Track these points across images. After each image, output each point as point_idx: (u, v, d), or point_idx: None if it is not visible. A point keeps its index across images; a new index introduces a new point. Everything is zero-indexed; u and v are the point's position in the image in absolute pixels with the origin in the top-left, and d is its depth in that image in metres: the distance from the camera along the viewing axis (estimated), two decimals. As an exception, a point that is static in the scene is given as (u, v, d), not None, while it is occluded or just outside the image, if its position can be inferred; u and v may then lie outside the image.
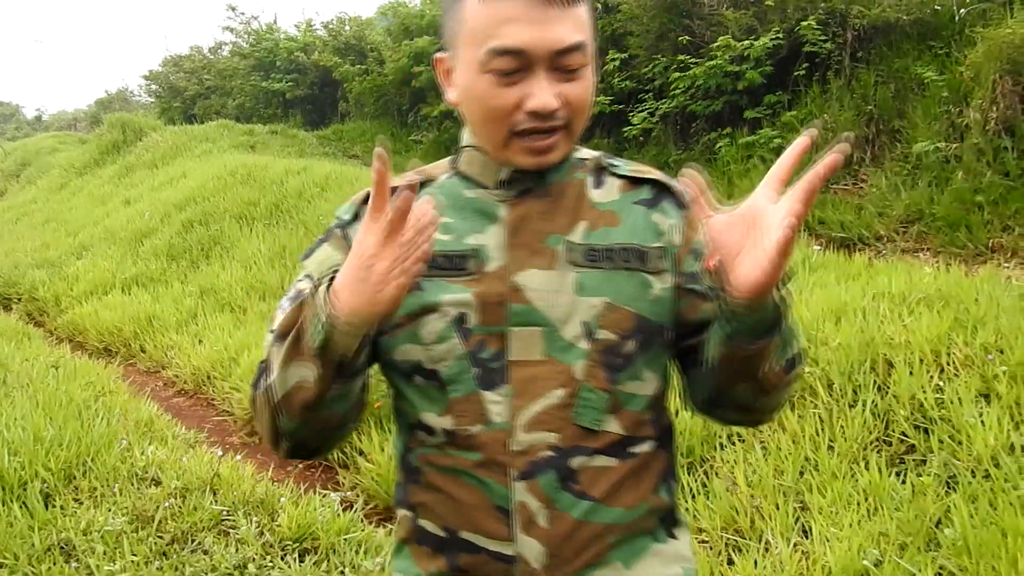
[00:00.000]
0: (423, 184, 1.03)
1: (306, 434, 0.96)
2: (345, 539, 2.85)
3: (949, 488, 2.41)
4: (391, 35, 14.29)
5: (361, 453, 3.53)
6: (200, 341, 5.73)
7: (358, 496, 3.34)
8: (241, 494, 3.15)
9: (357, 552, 2.80)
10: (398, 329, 0.98)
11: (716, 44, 7.52)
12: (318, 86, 16.86)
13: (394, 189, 0.91)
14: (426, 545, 1.02)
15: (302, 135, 14.71)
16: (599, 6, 9.49)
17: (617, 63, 8.68)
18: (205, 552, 2.80)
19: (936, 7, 7.37)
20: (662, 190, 1.04)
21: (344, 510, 3.11)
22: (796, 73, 7.49)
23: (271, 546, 2.83)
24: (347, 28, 16.24)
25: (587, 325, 0.96)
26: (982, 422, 2.54)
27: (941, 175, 6.03)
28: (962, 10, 7.17)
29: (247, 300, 6.50)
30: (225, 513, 3.04)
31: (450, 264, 0.98)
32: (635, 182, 1.05)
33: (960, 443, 2.55)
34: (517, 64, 0.92)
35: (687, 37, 7.99)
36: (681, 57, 7.87)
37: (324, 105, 17.16)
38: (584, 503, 0.95)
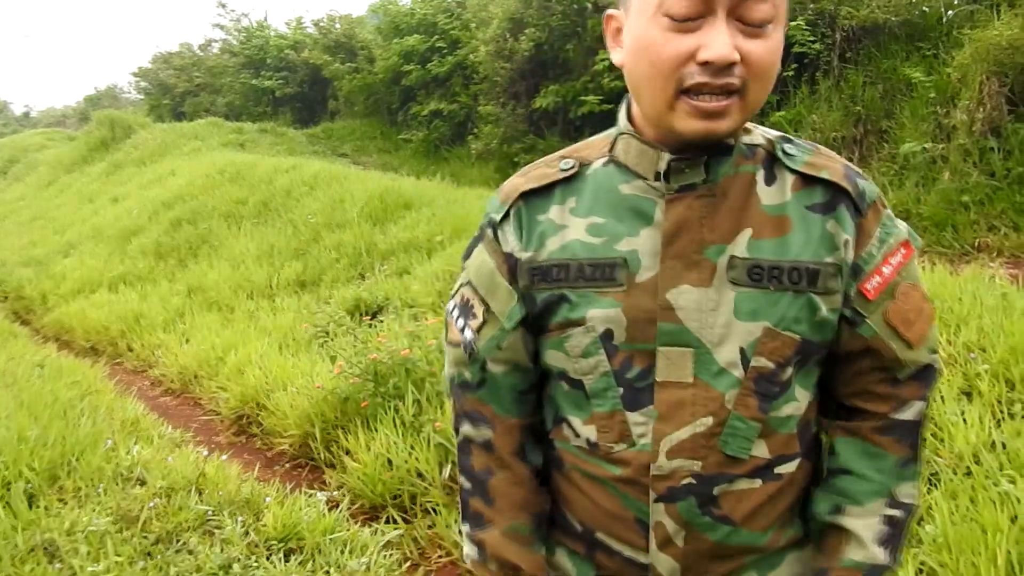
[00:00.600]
0: (578, 171, 0.97)
1: None
2: (330, 539, 2.84)
3: (931, 485, 2.43)
4: (381, 33, 14.28)
5: (348, 452, 3.53)
6: (187, 340, 5.71)
7: (344, 496, 3.33)
8: (227, 494, 3.14)
9: (342, 552, 2.79)
10: (548, 335, 0.96)
11: (705, 44, 7.54)
12: (308, 84, 16.83)
13: (538, 189, 0.97)
14: (565, 531, 1.02)
15: (291, 133, 14.70)
16: (589, 5, 9.50)
17: (607, 63, 8.70)
18: (190, 552, 2.79)
19: (924, 9, 7.41)
20: (838, 192, 0.91)
21: (330, 510, 3.10)
22: (785, 73, 7.52)
23: (256, 546, 2.82)
24: (337, 26, 16.21)
25: (743, 351, 0.89)
26: (964, 420, 2.55)
27: (928, 175, 6.07)
28: (949, 12, 7.21)
29: (235, 299, 6.48)
30: (210, 513, 3.02)
31: (598, 274, 0.92)
32: (810, 180, 0.92)
33: (942, 440, 2.56)
34: (696, 6, 0.81)
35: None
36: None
37: (314, 103, 17.12)
38: (724, 528, 0.91)
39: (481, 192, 8.41)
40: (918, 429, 0.97)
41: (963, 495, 2.24)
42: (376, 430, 3.46)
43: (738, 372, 0.89)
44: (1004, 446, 2.44)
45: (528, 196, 0.98)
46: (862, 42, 7.43)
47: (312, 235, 7.36)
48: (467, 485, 1.04)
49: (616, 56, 0.92)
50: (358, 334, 4.69)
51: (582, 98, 9.18)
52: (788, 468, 0.93)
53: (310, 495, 3.24)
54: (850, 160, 6.02)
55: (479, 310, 1.00)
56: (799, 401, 0.93)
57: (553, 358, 0.96)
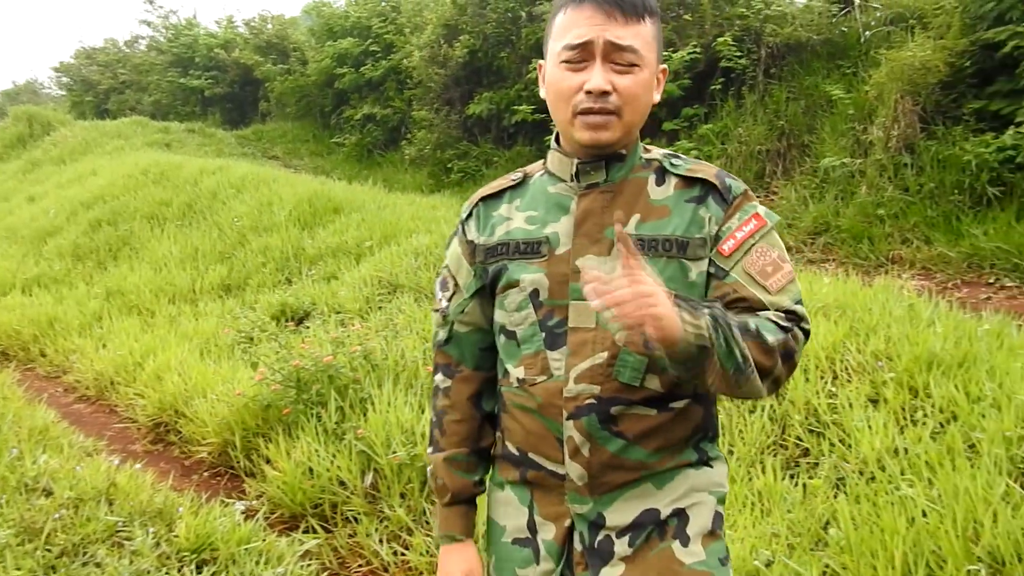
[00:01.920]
0: (523, 180, 1.32)
1: None
2: (245, 549, 2.77)
3: (839, 490, 2.51)
4: (315, 35, 14.08)
5: (268, 461, 3.45)
6: (104, 345, 5.51)
7: (263, 505, 3.26)
8: (139, 504, 3.03)
9: (257, 563, 2.72)
10: (495, 298, 1.30)
11: (636, 56, 7.67)
12: (238, 84, 16.48)
13: (493, 194, 1.33)
14: (507, 460, 1.33)
15: (220, 134, 14.36)
16: (523, 14, 9.56)
17: (540, 71, 8.77)
18: (97, 565, 2.68)
19: (844, 28, 7.70)
20: (711, 188, 1.22)
21: (247, 519, 3.02)
22: (713, 87, 7.71)
23: (167, 557, 2.73)
24: (269, 26, 15.94)
25: None
26: (869, 426, 2.65)
27: (847, 189, 6.29)
28: (868, 32, 7.50)
29: (155, 303, 6.29)
30: (120, 524, 2.91)
31: (529, 249, 1.25)
32: (689, 181, 1.23)
33: (849, 447, 2.65)
34: (581, 55, 1.16)
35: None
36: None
37: (244, 104, 16.78)
38: (619, 441, 1.20)
39: (413, 198, 8.36)
40: (786, 341, 1.12)
41: (866, 500, 2.32)
42: (298, 438, 3.40)
43: None
44: (906, 451, 2.54)
45: (486, 199, 1.34)
46: (786, 59, 7.67)
47: (238, 238, 7.19)
48: (433, 419, 1.41)
49: (542, 92, 1.27)
50: (282, 340, 4.60)
51: (515, 107, 9.22)
52: (680, 404, 1.21)
53: (226, 504, 3.16)
54: (774, 173, 6.19)
55: (451, 284, 1.36)
56: None
57: (498, 315, 1.29)
